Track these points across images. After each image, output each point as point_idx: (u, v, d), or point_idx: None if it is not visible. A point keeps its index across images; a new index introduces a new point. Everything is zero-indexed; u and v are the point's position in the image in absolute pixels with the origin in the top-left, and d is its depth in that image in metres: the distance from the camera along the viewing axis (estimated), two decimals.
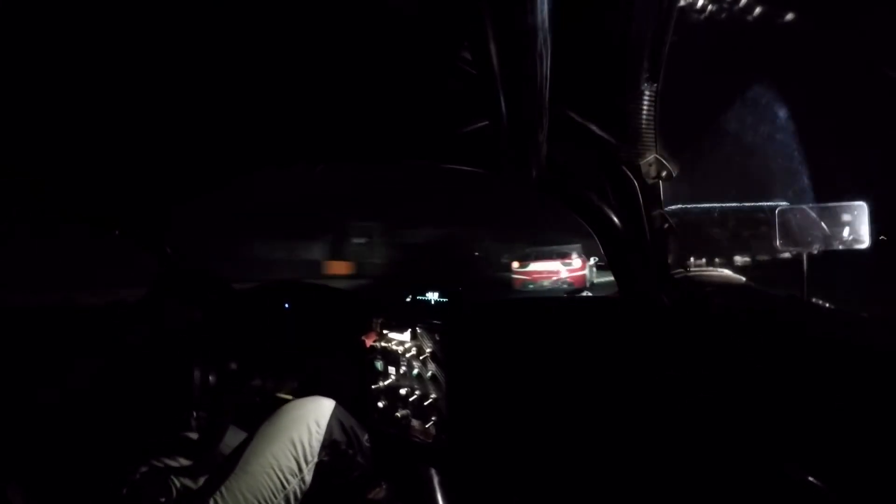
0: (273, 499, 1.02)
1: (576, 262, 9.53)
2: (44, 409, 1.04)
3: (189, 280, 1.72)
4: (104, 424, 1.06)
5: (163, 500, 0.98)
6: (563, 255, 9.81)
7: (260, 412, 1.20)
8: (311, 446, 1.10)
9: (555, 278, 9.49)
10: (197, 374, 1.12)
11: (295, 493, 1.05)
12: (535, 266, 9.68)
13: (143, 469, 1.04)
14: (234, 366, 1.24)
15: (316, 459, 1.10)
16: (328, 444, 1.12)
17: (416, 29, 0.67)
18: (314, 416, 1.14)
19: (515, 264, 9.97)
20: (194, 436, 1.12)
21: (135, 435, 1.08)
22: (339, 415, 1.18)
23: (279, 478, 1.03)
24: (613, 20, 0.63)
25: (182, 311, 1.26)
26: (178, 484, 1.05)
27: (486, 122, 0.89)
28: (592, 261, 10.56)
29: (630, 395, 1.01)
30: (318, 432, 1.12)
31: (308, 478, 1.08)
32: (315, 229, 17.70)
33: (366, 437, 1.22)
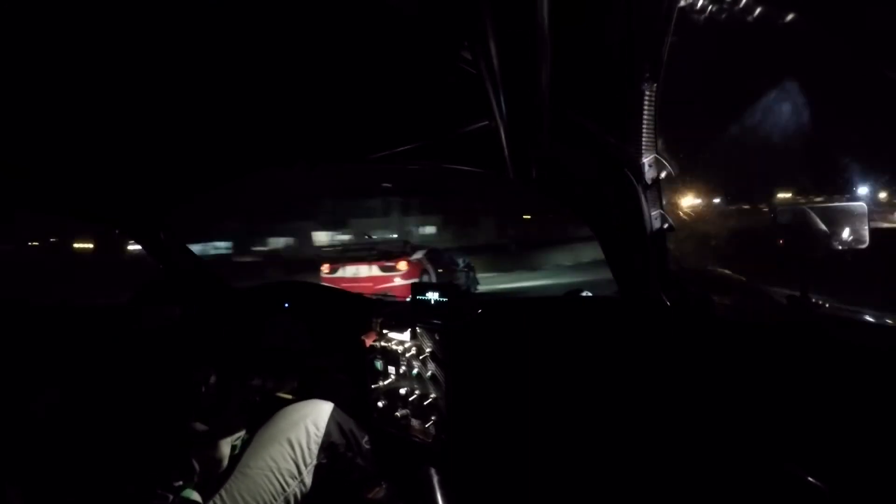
0: (273, 501, 1.01)
1: (402, 266, 6.96)
2: (39, 412, 1.04)
3: (178, 278, 1.72)
4: (103, 424, 1.06)
5: (170, 496, 0.97)
6: (387, 258, 7.17)
7: (260, 412, 1.20)
8: (309, 449, 1.09)
9: (376, 289, 6.51)
10: (195, 371, 1.12)
11: (295, 496, 1.05)
12: (348, 272, 7.11)
13: (146, 468, 1.03)
14: (233, 365, 1.24)
15: (315, 462, 1.10)
16: (327, 447, 1.12)
17: (416, 29, 0.67)
18: (312, 418, 1.14)
19: (325, 268, 7.34)
20: (202, 427, 1.12)
21: (135, 433, 1.08)
22: (337, 417, 1.17)
23: (278, 480, 1.03)
24: (614, 20, 0.63)
25: (160, 309, 1.25)
26: (181, 482, 1.04)
27: (486, 122, 0.89)
28: (462, 262, 8.41)
29: (631, 395, 1.01)
30: (316, 434, 1.11)
31: (308, 480, 1.07)
32: None
33: (365, 438, 1.22)
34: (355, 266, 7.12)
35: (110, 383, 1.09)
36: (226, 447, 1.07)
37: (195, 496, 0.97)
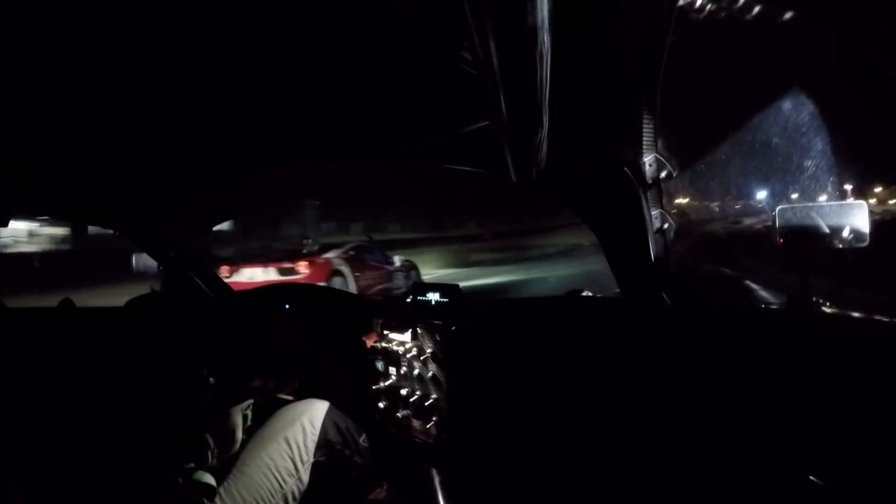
0: (271, 499, 1.02)
1: (303, 269, 6.13)
2: (39, 412, 1.04)
3: (177, 278, 1.72)
4: (103, 424, 1.06)
5: (179, 479, 0.97)
6: (288, 259, 6.36)
7: (261, 412, 1.20)
8: (306, 446, 1.10)
9: None
10: (196, 372, 1.12)
11: (293, 493, 1.06)
12: (244, 275, 6.27)
13: (146, 467, 1.03)
14: (233, 365, 1.24)
15: (312, 459, 1.10)
16: (323, 444, 1.13)
17: (416, 29, 0.67)
18: (308, 416, 1.14)
19: (223, 271, 6.42)
20: (203, 434, 1.12)
21: (135, 433, 1.08)
22: (333, 415, 1.18)
23: (276, 478, 1.04)
24: (613, 20, 0.63)
25: (149, 315, 1.25)
26: (192, 464, 1.04)
27: (486, 122, 0.88)
28: (398, 261, 7.55)
29: (632, 395, 1.01)
30: (312, 432, 1.12)
31: (305, 478, 1.08)
32: None
33: (363, 437, 1.22)
34: (251, 269, 6.38)
35: (111, 384, 1.09)
36: (237, 416, 1.07)
37: (207, 478, 0.95)
